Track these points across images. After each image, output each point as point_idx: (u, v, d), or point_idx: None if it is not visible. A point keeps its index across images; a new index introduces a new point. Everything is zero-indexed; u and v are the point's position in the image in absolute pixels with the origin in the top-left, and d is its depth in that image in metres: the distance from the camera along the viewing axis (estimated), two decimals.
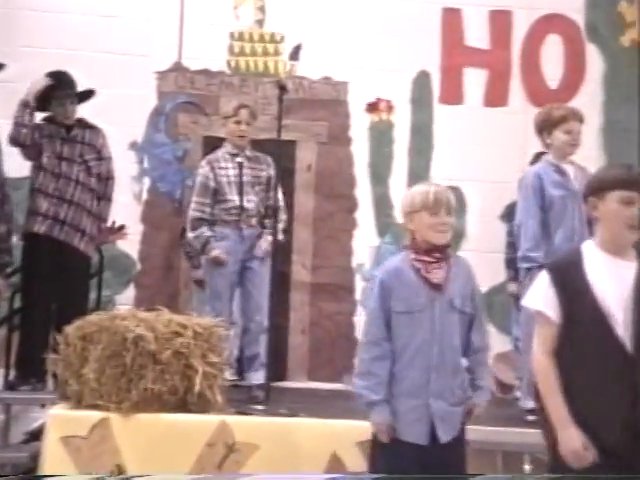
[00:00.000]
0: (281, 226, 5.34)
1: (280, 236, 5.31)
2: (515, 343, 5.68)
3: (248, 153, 5.38)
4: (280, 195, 5.39)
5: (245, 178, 5.31)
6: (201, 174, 5.34)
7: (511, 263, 5.76)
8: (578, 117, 4.80)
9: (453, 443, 3.34)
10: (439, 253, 3.37)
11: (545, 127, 4.78)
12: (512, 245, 5.75)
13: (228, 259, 5.21)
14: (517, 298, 5.51)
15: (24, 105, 5.34)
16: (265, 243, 5.25)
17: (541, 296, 3.08)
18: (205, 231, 5.25)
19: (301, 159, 6.79)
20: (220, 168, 5.31)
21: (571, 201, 4.63)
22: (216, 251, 5.21)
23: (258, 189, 5.33)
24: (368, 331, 3.43)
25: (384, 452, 3.35)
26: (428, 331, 3.33)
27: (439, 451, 3.31)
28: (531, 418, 4.59)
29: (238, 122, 5.33)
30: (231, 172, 5.31)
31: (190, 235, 5.34)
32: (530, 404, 4.60)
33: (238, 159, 5.34)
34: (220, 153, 5.39)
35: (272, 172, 5.33)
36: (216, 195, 5.28)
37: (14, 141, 5.35)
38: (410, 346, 3.33)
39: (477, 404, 3.41)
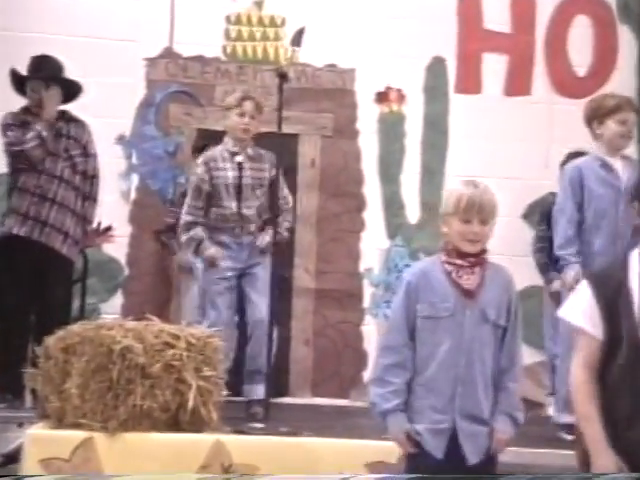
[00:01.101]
0: (286, 225, 5.36)
1: (285, 233, 5.33)
2: (552, 361, 5.63)
3: (250, 151, 5.34)
4: (288, 194, 5.43)
5: (245, 181, 5.28)
6: (196, 175, 5.33)
7: (546, 267, 5.75)
8: (633, 107, 4.82)
9: (483, 466, 3.32)
10: (473, 257, 3.36)
11: (596, 116, 4.77)
12: (543, 250, 5.73)
13: (224, 258, 5.19)
14: (559, 298, 5.45)
15: (46, 126, 5.34)
16: (267, 236, 5.24)
17: (581, 310, 3.04)
18: (199, 232, 5.24)
19: (304, 154, 6.78)
20: (217, 169, 5.28)
21: (615, 200, 4.62)
22: (211, 250, 5.20)
23: (259, 192, 5.31)
24: (388, 336, 3.42)
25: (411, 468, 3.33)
26: (456, 340, 3.31)
27: (469, 473, 3.28)
28: (569, 437, 4.50)
29: (242, 114, 5.29)
30: (230, 174, 5.28)
31: (183, 237, 5.33)
32: (566, 419, 4.57)
33: (238, 158, 5.30)
34: (218, 151, 5.35)
35: (275, 172, 5.30)
36: (211, 199, 5.26)
37: (28, 156, 5.32)
38: (436, 355, 3.31)
39: (498, 430, 3.35)
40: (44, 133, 5.32)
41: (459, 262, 3.34)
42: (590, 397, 3.00)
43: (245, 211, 5.26)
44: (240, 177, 5.28)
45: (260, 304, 5.19)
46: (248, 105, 5.29)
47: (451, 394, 3.30)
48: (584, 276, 3.27)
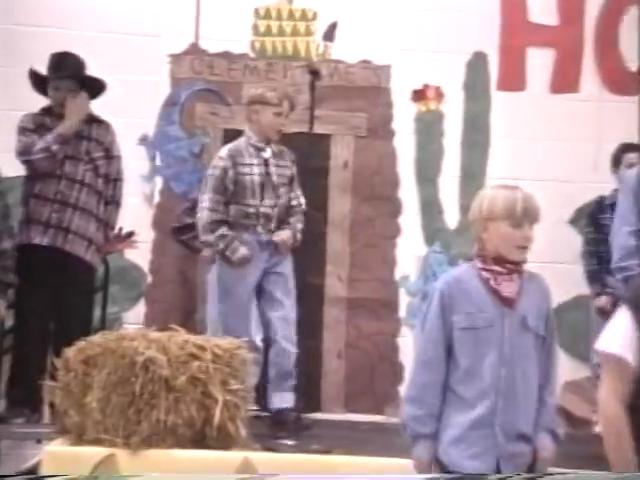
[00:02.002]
0: (299, 227, 5.36)
1: (298, 235, 5.32)
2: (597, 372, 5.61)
3: (274, 147, 5.35)
4: (300, 195, 5.42)
5: (270, 178, 5.29)
6: (220, 167, 5.27)
7: (595, 276, 5.71)
8: None
9: None
10: (512, 265, 3.34)
11: None
12: (593, 255, 5.69)
13: (252, 257, 5.19)
14: (606, 313, 5.44)
15: (59, 139, 5.35)
16: (284, 233, 5.24)
17: (620, 337, 3.01)
18: (226, 231, 5.21)
19: (336, 155, 6.78)
20: (243, 165, 5.27)
21: None
22: (242, 250, 5.17)
23: (282, 190, 5.32)
24: (424, 350, 3.40)
25: None
26: (496, 351, 3.31)
27: None
28: None
29: (279, 114, 5.29)
30: (256, 170, 5.27)
31: (210, 238, 5.26)
32: None
33: (264, 154, 5.30)
34: (243, 144, 5.34)
35: (295, 169, 5.34)
36: (232, 195, 5.25)
37: (35, 167, 5.35)
38: (476, 369, 3.31)
39: (542, 447, 3.36)
40: (54, 147, 5.31)
41: (497, 269, 3.33)
42: (622, 431, 2.97)
43: (267, 209, 5.26)
44: (266, 174, 5.28)
45: (285, 302, 5.19)
46: (286, 105, 5.31)
47: (491, 410, 3.30)
48: (621, 300, 3.24)
